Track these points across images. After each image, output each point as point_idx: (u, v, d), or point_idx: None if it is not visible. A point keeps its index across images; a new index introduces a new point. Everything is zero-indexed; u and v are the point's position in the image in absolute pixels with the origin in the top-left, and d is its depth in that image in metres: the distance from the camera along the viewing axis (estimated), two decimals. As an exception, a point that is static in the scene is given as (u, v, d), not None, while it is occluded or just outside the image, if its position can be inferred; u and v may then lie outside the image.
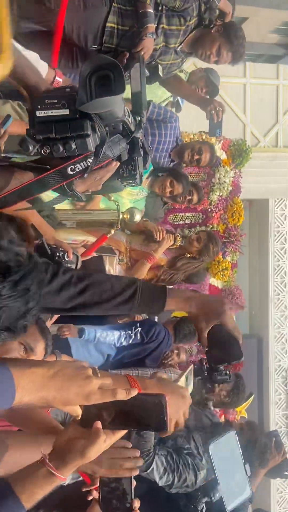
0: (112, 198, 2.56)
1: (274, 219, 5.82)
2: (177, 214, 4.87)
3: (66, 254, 1.37)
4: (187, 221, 4.98)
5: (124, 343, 2.62)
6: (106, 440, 0.91)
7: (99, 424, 0.90)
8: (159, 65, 2.62)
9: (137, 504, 1.11)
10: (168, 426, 0.94)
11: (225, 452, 2.06)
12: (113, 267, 2.82)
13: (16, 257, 0.77)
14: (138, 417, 0.93)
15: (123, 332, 2.63)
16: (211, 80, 3.54)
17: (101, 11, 2.12)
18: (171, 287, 1.36)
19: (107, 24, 2.14)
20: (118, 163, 0.97)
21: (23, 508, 0.86)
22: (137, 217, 2.65)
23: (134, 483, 1.11)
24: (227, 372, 3.01)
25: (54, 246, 1.42)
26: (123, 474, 1.07)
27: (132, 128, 0.91)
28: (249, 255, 6.05)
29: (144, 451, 1.99)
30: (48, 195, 0.97)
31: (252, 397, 5.32)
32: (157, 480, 1.98)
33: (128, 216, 2.60)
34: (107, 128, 0.86)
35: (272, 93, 5.50)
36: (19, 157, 1.52)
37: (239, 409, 5.16)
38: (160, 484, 2.00)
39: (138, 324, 2.69)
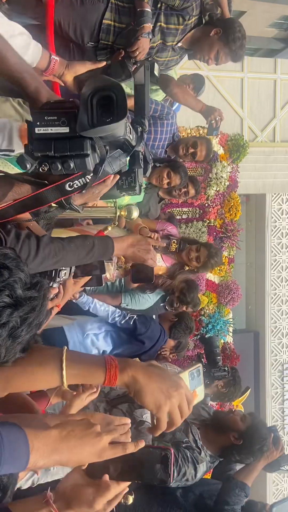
0: (110, 194, 2.56)
1: (271, 214, 5.84)
2: (174, 209, 4.86)
3: None
4: (184, 216, 4.98)
5: (117, 319, 2.62)
6: (111, 490, 0.92)
7: (107, 477, 0.92)
8: (155, 64, 2.61)
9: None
10: (171, 480, 0.96)
11: None
12: (110, 273, 2.82)
13: (31, 304, 0.79)
14: (143, 469, 0.95)
15: (118, 310, 2.65)
16: (196, 90, 3.64)
17: (98, 8, 2.10)
18: (117, 238, 1.54)
19: (103, 21, 2.12)
20: (118, 177, 0.96)
21: None
22: (135, 214, 2.63)
23: None
24: (226, 368, 3.04)
25: None
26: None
27: (133, 143, 0.89)
28: (246, 250, 6.07)
29: None
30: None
31: (248, 391, 5.35)
32: None
33: (126, 213, 2.60)
34: (107, 147, 0.85)
35: (270, 87, 5.49)
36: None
37: (236, 403, 5.20)
38: None
39: (135, 315, 2.70)
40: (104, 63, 1.67)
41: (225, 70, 5.06)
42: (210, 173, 4.85)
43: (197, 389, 1.38)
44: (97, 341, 2.69)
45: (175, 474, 2.03)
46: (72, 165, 0.81)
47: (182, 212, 4.96)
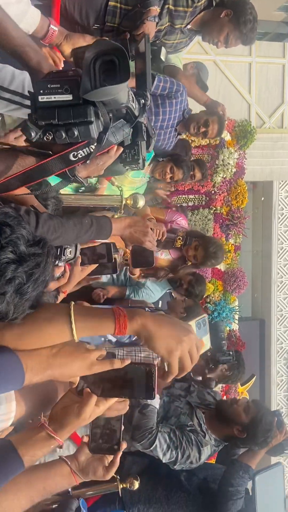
0: (116, 184, 2.53)
1: (278, 201, 5.78)
2: (180, 196, 4.83)
3: None
4: (190, 203, 4.95)
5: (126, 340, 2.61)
6: (100, 405, 1.01)
7: (88, 389, 1.01)
8: (163, 48, 2.56)
9: (124, 445, 1.18)
10: (155, 394, 1.02)
11: (270, 485, 2.13)
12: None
13: (35, 260, 0.81)
14: (128, 386, 1.02)
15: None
16: (201, 78, 3.49)
17: None
18: (115, 217, 1.55)
19: (109, 2, 2.09)
20: (121, 149, 0.95)
21: (23, 467, 0.94)
22: (141, 203, 2.61)
23: (122, 427, 1.19)
24: (231, 353, 3.05)
25: None
26: (112, 414, 1.15)
27: (136, 113, 0.88)
28: (253, 238, 6.03)
29: (146, 429, 2.02)
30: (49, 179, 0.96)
31: (253, 379, 5.38)
32: (160, 457, 2.01)
33: (132, 201, 2.58)
34: (110, 115, 0.85)
35: (278, 72, 5.39)
36: None
37: (241, 390, 5.23)
38: (164, 461, 2.02)
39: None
40: (105, 39, 1.64)
41: (232, 55, 4.97)
42: (217, 159, 4.80)
43: (204, 338, 1.45)
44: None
45: (179, 456, 2.04)
46: (76, 132, 0.81)
47: (188, 200, 4.93)
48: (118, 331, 0.94)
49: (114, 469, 1.16)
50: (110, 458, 1.18)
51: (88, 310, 1.03)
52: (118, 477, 2.03)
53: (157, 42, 2.42)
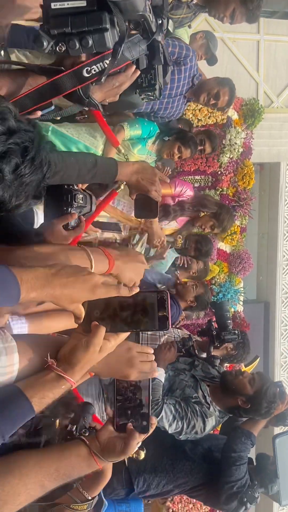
0: (122, 151, 2.52)
1: (286, 183, 5.73)
2: (186, 177, 4.80)
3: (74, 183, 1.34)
4: (196, 184, 4.91)
5: None
6: (110, 339, 0.91)
7: (95, 322, 0.91)
8: (170, 20, 2.51)
9: (154, 421, 1.08)
10: (169, 323, 0.92)
11: None
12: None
13: (26, 134, 0.75)
14: (139, 317, 0.91)
15: None
16: (210, 49, 3.40)
17: None
18: (122, 162, 1.47)
19: None
20: (138, 71, 0.91)
21: (33, 410, 0.85)
22: None
23: (151, 397, 1.08)
24: (236, 331, 3.08)
25: None
26: (140, 377, 1.06)
27: (153, 28, 0.85)
28: (259, 220, 6.00)
29: (153, 400, 2.04)
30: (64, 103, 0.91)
31: (257, 360, 5.41)
32: (166, 427, 2.04)
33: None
34: (126, 23, 0.80)
35: (286, 51, 5.29)
36: None
37: (245, 371, 5.27)
38: (169, 432, 2.06)
39: None
40: None
41: (240, 32, 4.88)
42: (224, 139, 4.74)
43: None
44: None
45: (185, 426, 2.07)
46: (90, 41, 0.76)
47: (195, 180, 4.89)
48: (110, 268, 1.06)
49: (135, 445, 1.04)
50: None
51: (94, 250, 1.08)
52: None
53: (163, 16, 2.38)
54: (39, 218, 1.64)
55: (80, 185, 1.38)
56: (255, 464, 2.24)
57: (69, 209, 1.30)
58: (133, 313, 0.91)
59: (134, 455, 2.12)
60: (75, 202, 1.29)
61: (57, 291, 0.84)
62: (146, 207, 1.56)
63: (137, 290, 0.90)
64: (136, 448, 1.06)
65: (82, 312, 0.90)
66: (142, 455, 2.10)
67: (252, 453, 2.30)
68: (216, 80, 2.93)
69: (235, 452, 2.05)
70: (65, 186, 1.26)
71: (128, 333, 0.95)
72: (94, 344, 0.88)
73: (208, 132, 3.40)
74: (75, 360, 0.90)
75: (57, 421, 1.05)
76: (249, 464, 2.16)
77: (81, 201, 1.31)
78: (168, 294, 0.92)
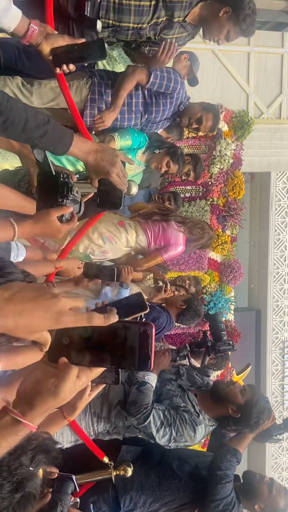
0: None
1: (276, 192, 5.79)
2: (177, 187, 4.83)
3: (70, 176, 1.31)
4: (187, 195, 4.95)
5: None
6: (82, 376, 0.76)
7: (64, 359, 0.76)
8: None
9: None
10: (152, 363, 0.76)
11: None
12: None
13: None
14: (117, 351, 0.76)
15: None
16: (192, 70, 3.44)
17: None
18: (80, 137, 1.35)
19: None
20: None
21: None
22: (134, 190, 2.62)
23: None
24: (230, 342, 3.13)
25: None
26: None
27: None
28: (250, 229, 6.05)
29: (142, 405, 2.06)
30: None
31: (249, 368, 5.44)
32: (154, 433, 2.04)
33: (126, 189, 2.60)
34: None
35: (277, 62, 5.35)
36: None
37: (236, 379, 5.29)
38: (157, 439, 2.06)
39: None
40: (83, 40, 1.60)
41: (231, 44, 4.86)
42: (214, 150, 4.79)
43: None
44: None
45: (173, 433, 2.08)
46: None
47: (185, 191, 4.93)
48: None
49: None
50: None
51: None
52: (112, 464, 2.09)
53: (156, 37, 2.38)
54: (20, 251, 1.61)
55: (75, 179, 1.34)
56: (241, 481, 2.26)
57: (64, 201, 1.27)
58: (110, 346, 0.76)
59: (122, 472, 2.14)
60: (71, 194, 1.27)
61: (10, 321, 0.69)
62: (107, 194, 1.40)
63: (115, 319, 0.75)
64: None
65: (47, 339, 0.76)
66: (129, 472, 2.12)
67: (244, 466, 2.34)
68: (201, 105, 2.91)
69: (221, 470, 2.07)
70: (61, 179, 1.25)
71: (103, 369, 0.81)
72: (64, 391, 0.74)
73: (195, 158, 3.38)
74: (37, 403, 0.74)
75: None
76: (236, 481, 2.18)
77: (76, 194, 1.29)
78: (153, 328, 0.77)
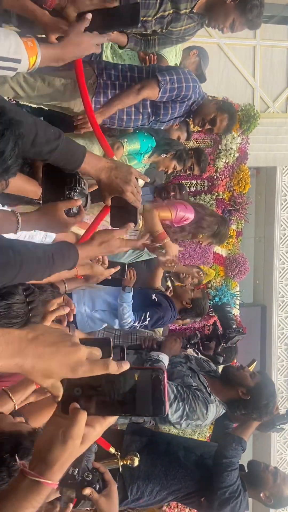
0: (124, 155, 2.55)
1: (282, 187, 5.76)
2: (182, 181, 4.82)
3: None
4: (193, 189, 4.94)
5: (136, 325, 2.74)
6: (95, 426, 0.75)
7: (75, 404, 0.74)
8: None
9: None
10: (166, 409, 0.77)
11: None
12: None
13: None
14: (129, 398, 0.77)
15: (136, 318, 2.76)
16: (201, 67, 3.37)
17: None
18: (94, 153, 1.30)
19: None
20: None
21: None
22: (141, 182, 2.62)
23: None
24: (240, 329, 3.18)
25: None
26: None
27: None
28: (255, 224, 6.03)
29: None
30: None
31: (254, 364, 5.43)
32: (167, 407, 2.06)
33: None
34: None
35: (283, 55, 5.32)
36: None
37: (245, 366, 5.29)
38: (169, 414, 2.06)
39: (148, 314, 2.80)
40: (115, 4, 1.43)
41: (237, 38, 4.89)
42: (220, 144, 4.77)
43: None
44: (105, 317, 2.79)
45: (187, 408, 2.09)
46: None
47: (191, 185, 4.92)
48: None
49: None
50: None
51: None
52: (119, 453, 2.10)
53: (163, 30, 2.35)
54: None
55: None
56: (246, 471, 2.26)
57: (72, 193, 1.24)
58: (122, 393, 0.76)
59: (129, 461, 2.15)
60: (78, 186, 1.24)
61: (28, 362, 0.69)
62: (123, 214, 1.34)
63: (127, 366, 0.75)
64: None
65: (59, 390, 0.74)
66: (136, 461, 2.13)
67: (248, 457, 2.34)
68: (216, 104, 2.70)
69: (226, 458, 2.07)
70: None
71: (116, 417, 0.80)
72: (73, 437, 0.71)
73: (199, 153, 3.29)
74: (52, 459, 0.71)
75: None
76: (241, 471, 2.19)
77: (83, 187, 1.25)
78: (165, 373, 0.77)
